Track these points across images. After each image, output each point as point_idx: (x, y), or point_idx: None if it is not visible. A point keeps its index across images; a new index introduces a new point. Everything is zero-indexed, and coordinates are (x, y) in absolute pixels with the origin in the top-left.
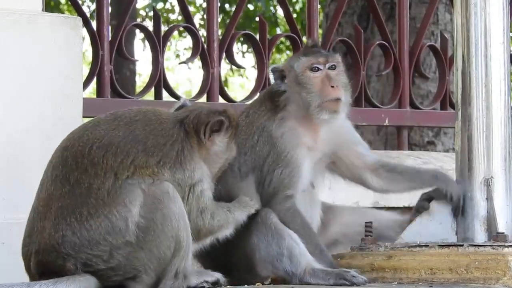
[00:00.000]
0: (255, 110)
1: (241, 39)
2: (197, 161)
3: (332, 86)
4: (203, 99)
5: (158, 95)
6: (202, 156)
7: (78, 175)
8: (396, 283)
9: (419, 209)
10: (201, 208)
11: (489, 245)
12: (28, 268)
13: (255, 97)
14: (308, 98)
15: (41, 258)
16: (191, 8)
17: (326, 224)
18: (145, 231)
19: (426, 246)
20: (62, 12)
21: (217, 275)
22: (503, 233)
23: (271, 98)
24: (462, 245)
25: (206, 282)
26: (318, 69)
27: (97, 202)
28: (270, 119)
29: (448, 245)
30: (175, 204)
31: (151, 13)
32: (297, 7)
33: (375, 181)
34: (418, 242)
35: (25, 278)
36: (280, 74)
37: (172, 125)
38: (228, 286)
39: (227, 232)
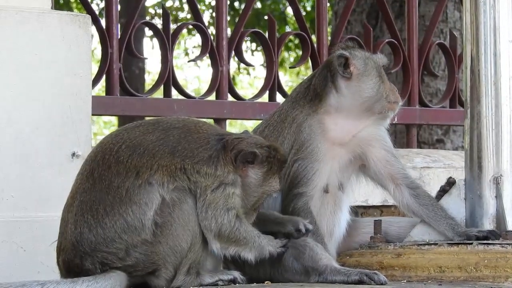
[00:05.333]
0: (286, 108)
1: (250, 37)
2: (231, 171)
3: (396, 91)
4: (212, 97)
5: (167, 93)
6: (238, 174)
7: (102, 171)
8: (405, 281)
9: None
10: (229, 207)
11: (498, 243)
12: (57, 262)
13: (264, 95)
14: (384, 92)
15: (64, 257)
16: (200, 6)
17: (350, 234)
18: (162, 226)
19: (435, 244)
20: (71, 10)
21: (234, 274)
22: None
23: (304, 94)
24: (471, 243)
25: (221, 280)
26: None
27: (114, 199)
28: (302, 112)
29: (457, 243)
30: (193, 199)
31: (160, 11)
32: (308, 6)
33: (396, 195)
34: (427, 240)
35: (36, 276)
36: (346, 62)
37: (210, 137)
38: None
39: (249, 254)
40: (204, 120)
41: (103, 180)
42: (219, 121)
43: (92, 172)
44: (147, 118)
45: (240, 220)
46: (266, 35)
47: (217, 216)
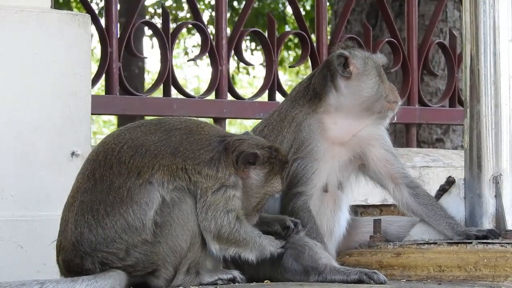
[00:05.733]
0: (286, 107)
1: (250, 36)
2: (233, 173)
3: (396, 91)
4: (212, 96)
5: (166, 93)
6: (239, 176)
7: (103, 172)
8: (404, 280)
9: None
10: (229, 209)
11: (498, 243)
12: (57, 261)
13: (263, 94)
14: (383, 91)
15: (64, 256)
16: (200, 6)
17: (349, 233)
18: (162, 226)
19: (434, 243)
20: (71, 9)
21: (234, 273)
22: None
23: (303, 93)
24: (471, 243)
25: (221, 279)
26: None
27: (114, 200)
28: (302, 111)
29: (457, 243)
30: (192, 200)
31: (159, 10)
32: (308, 5)
33: (396, 195)
34: (426, 240)
35: (36, 275)
36: (345, 61)
37: (212, 138)
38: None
39: (250, 255)
40: (204, 119)
41: (104, 180)
42: (219, 120)
43: (93, 172)
44: (147, 118)
45: (240, 221)
46: (266, 34)
47: (217, 218)
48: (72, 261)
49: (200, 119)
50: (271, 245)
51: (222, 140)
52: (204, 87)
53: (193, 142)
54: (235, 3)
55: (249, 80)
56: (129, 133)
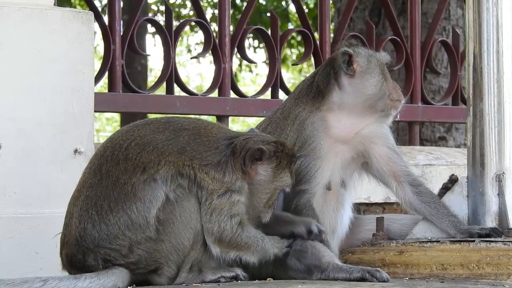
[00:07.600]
0: (289, 105)
1: (252, 34)
2: (239, 177)
3: (399, 89)
4: (215, 93)
5: (169, 90)
6: (245, 181)
7: (110, 167)
8: (407, 278)
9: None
10: (232, 214)
11: (501, 241)
12: (60, 254)
13: (266, 92)
14: (386, 89)
15: (68, 251)
16: (203, 3)
17: (352, 231)
18: (165, 224)
19: (437, 241)
20: (74, 7)
21: (236, 271)
22: None
23: (306, 91)
24: (474, 241)
25: (223, 277)
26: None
27: (119, 196)
28: (305, 109)
29: (460, 241)
30: (195, 198)
31: (162, 8)
32: (311, 3)
33: (399, 193)
34: (429, 238)
35: (38, 272)
36: (349, 59)
37: (220, 141)
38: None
39: (252, 257)
40: (207, 117)
41: (110, 176)
42: (222, 118)
43: (100, 167)
44: (150, 116)
45: (243, 226)
46: (269, 32)
47: (220, 221)
48: (75, 256)
49: (203, 117)
50: (275, 247)
51: (230, 143)
52: (207, 84)
53: (200, 144)
54: (238, 1)
55: (252, 77)
56: (138, 130)
